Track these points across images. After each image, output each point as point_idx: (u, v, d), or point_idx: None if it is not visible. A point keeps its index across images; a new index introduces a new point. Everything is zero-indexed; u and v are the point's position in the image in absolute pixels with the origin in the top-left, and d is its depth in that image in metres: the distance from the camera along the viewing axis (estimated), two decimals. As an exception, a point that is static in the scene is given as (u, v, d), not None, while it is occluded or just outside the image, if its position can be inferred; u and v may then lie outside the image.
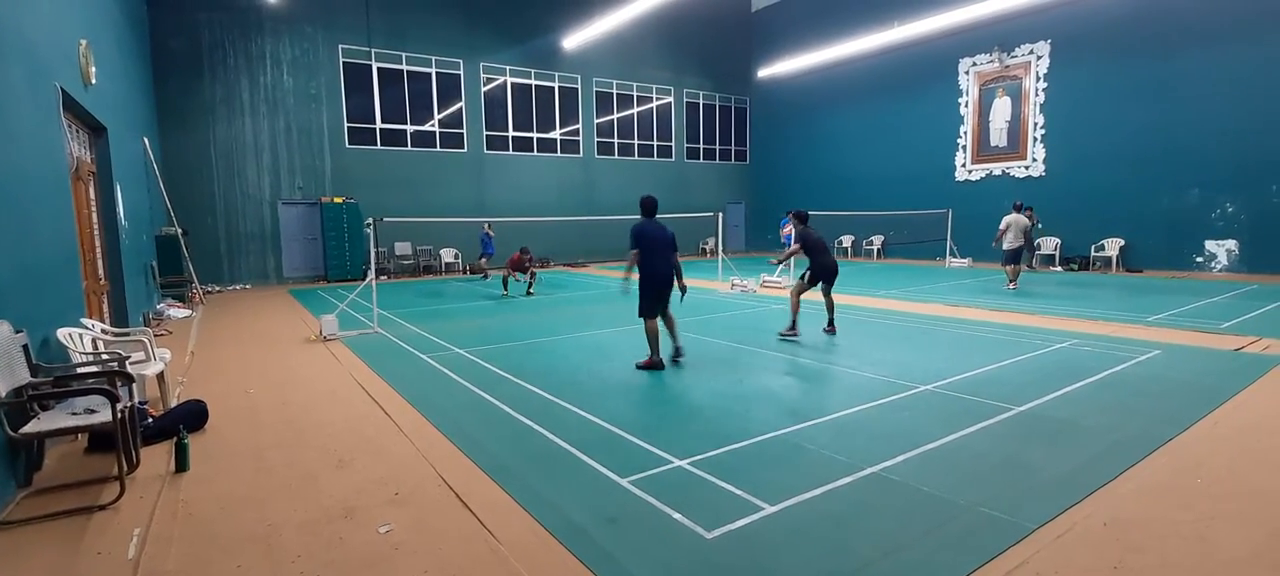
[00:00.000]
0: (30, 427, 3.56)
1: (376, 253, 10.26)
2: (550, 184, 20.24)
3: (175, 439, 4.06)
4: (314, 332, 8.46)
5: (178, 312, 10.69)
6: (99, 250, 7.47)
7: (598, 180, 21.28)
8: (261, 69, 15.79)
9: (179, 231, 12.50)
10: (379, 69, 17.26)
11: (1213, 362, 6.14)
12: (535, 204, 19.40)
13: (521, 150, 19.84)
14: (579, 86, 20.79)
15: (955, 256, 17.65)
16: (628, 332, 8.25)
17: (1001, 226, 11.86)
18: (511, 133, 19.61)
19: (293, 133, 16.24)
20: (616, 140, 21.81)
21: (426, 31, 17.80)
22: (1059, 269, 15.73)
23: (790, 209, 15.37)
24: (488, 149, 19.15)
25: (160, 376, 5.10)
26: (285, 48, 16.02)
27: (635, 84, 21.99)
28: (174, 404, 5.09)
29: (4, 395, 3.48)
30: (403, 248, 17.82)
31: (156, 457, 4.16)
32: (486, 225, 15.40)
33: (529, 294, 12.38)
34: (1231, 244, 13.91)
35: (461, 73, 18.50)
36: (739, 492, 3.38)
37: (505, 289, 12.59)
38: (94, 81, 7.28)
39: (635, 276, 6.20)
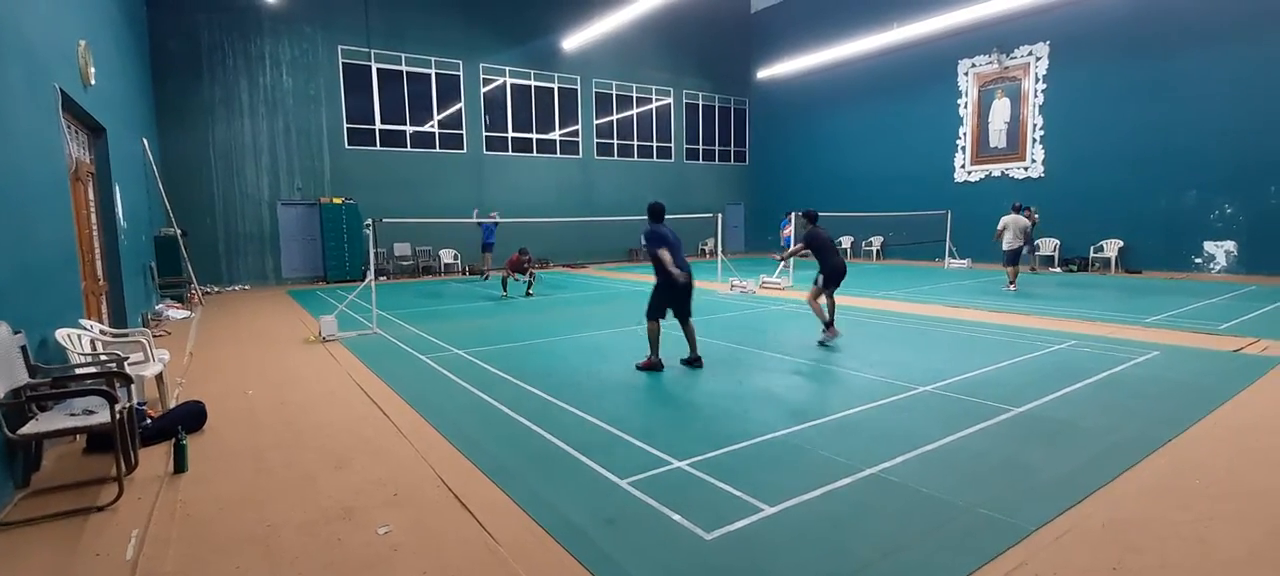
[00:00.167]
0: (28, 428, 3.55)
1: (376, 253, 10.25)
2: (549, 185, 20.24)
3: (174, 440, 4.06)
4: (313, 333, 8.45)
5: (177, 313, 10.68)
6: (98, 251, 7.46)
7: (597, 181, 21.28)
8: (261, 69, 15.78)
9: (178, 232, 12.49)
10: (378, 69, 17.25)
11: (1211, 364, 6.14)
12: (534, 205, 19.40)
13: (521, 151, 19.84)
14: (578, 87, 20.80)
15: (954, 257, 17.65)
16: (627, 334, 8.25)
17: (999, 226, 11.89)
18: (511, 134, 19.61)
19: (292, 133, 16.24)
20: (616, 141, 21.81)
21: (426, 32, 17.80)
22: (1058, 270, 15.74)
23: (789, 210, 15.45)
24: (487, 150, 19.15)
25: (159, 377, 5.09)
26: (284, 48, 16.02)
27: (635, 85, 22.00)
28: (173, 405, 5.08)
29: (2, 396, 3.47)
30: (402, 248, 17.81)
31: (155, 458, 4.16)
32: (493, 214, 15.32)
33: (528, 295, 12.38)
34: (1230, 245, 13.93)
35: (461, 73, 18.50)
36: (738, 493, 3.38)
37: (504, 290, 12.59)
38: (93, 82, 7.28)
39: (679, 275, 5.93)
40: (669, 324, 6.43)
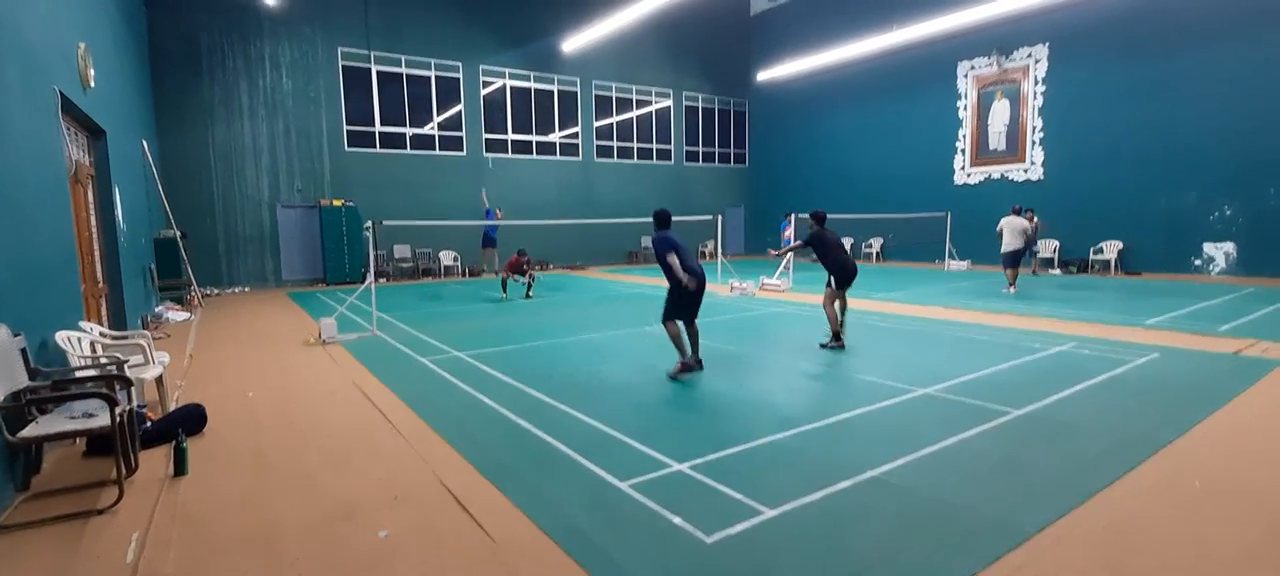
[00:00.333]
0: (28, 432, 3.55)
1: (376, 255, 10.24)
2: (549, 186, 20.24)
3: (174, 442, 4.06)
4: (313, 336, 8.45)
5: (176, 315, 10.68)
6: (97, 253, 7.46)
7: (597, 183, 21.29)
8: (260, 71, 15.79)
9: (177, 234, 12.49)
10: (378, 71, 17.26)
11: (1211, 365, 6.15)
12: (534, 206, 19.40)
13: (521, 153, 19.85)
14: (578, 89, 20.81)
15: (954, 259, 17.66)
16: (626, 335, 8.25)
17: (998, 229, 11.93)
18: (511, 136, 19.62)
19: (291, 135, 16.24)
20: (616, 143, 21.82)
21: (425, 34, 17.81)
22: (1058, 271, 15.75)
23: (789, 211, 15.46)
24: (487, 151, 19.15)
25: (159, 379, 5.09)
26: (284, 50, 16.02)
27: (634, 87, 22.01)
28: (172, 407, 5.08)
29: (2, 399, 3.47)
30: (402, 250, 17.81)
31: (155, 461, 4.15)
32: (498, 210, 15.28)
33: (528, 297, 12.38)
34: (1229, 246, 13.94)
35: (460, 75, 18.51)
36: (739, 496, 3.38)
37: (504, 292, 12.59)
38: (92, 84, 7.28)
39: (688, 281, 5.87)
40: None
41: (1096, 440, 4.16)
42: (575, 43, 19.28)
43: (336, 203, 16.26)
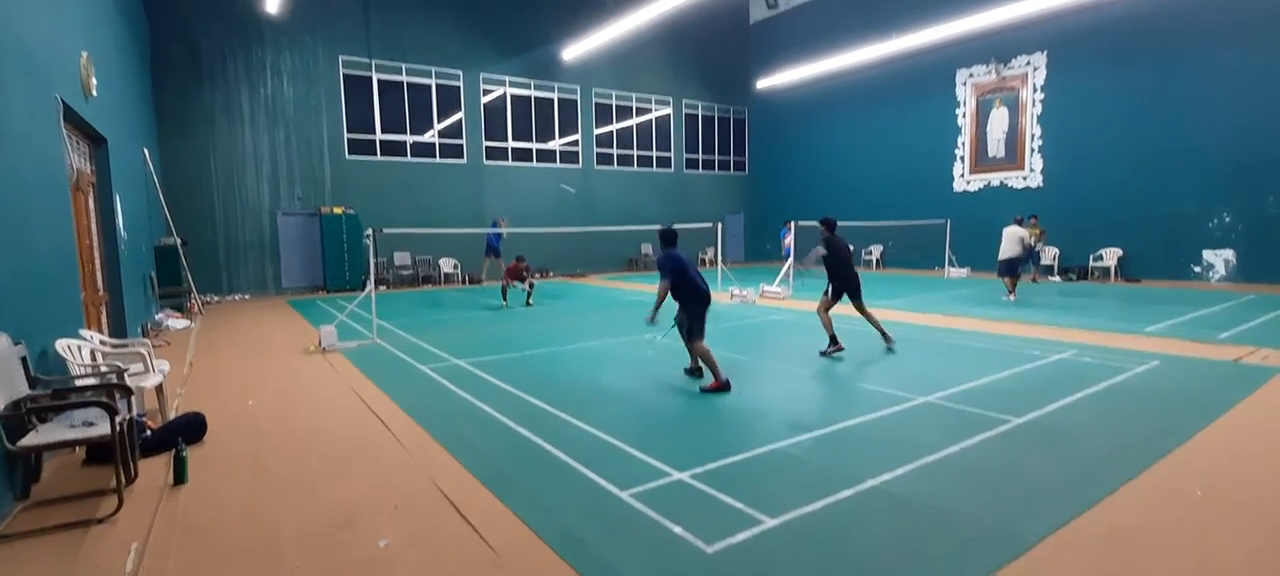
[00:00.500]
0: (28, 440, 3.55)
1: (376, 263, 10.25)
2: (549, 194, 20.28)
3: (174, 451, 4.05)
4: (313, 343, 8.45)
5: (176, 323, 10.68)
6: (98, 261, 7.47)
7: (597, 190, 21.33)
8: (261, 79, 15.84)
9: (178, 241, 12.50)
10: (379, 80, 17.32)
11: (1211, 373, 6.15)
12: (534, 214, 19.43)
13: (521, 160, 19.89)
14: (578, 97, 20.87)
15: (954, 266, 17.67)
16: (626, 343, 8.25)
17: (1001, 239, 11.99)
18: (511, 143, 19.67)
19: (292, 143, 16.28)
20: (615, 151, 21.87)
21: (426, 43, 17.88)
22: (1057, 279, 15.76)
23: (788, 218, 15.48)
24: (487, 159, 19.20)
25: (159, 388, 5.09)
26: (285, 58, 16.09)
27: (634, 95, 22.08)
28: (172, 415, 5.07)
29: (2, 408, 3.46)
30: (402, 258, 17.82)
31: (155, 470, 4.15)
32: (502, 221, 15.33)
33: (528, 304, 12.38)
34: (1229, 254, 13.95)
35: (461, 84, 18.58)
36: (739, 505, 3.37)
37: (504, 299, 12.59)
38: (94, 93, 7.31)
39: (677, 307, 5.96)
40: (672, 333, 6.42)
41: (1097, 448, 4.15)
42: (575, 51, 19.35)
43: (337, 210, 16.29)
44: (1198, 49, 14.11)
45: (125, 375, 4.49)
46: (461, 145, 18.73)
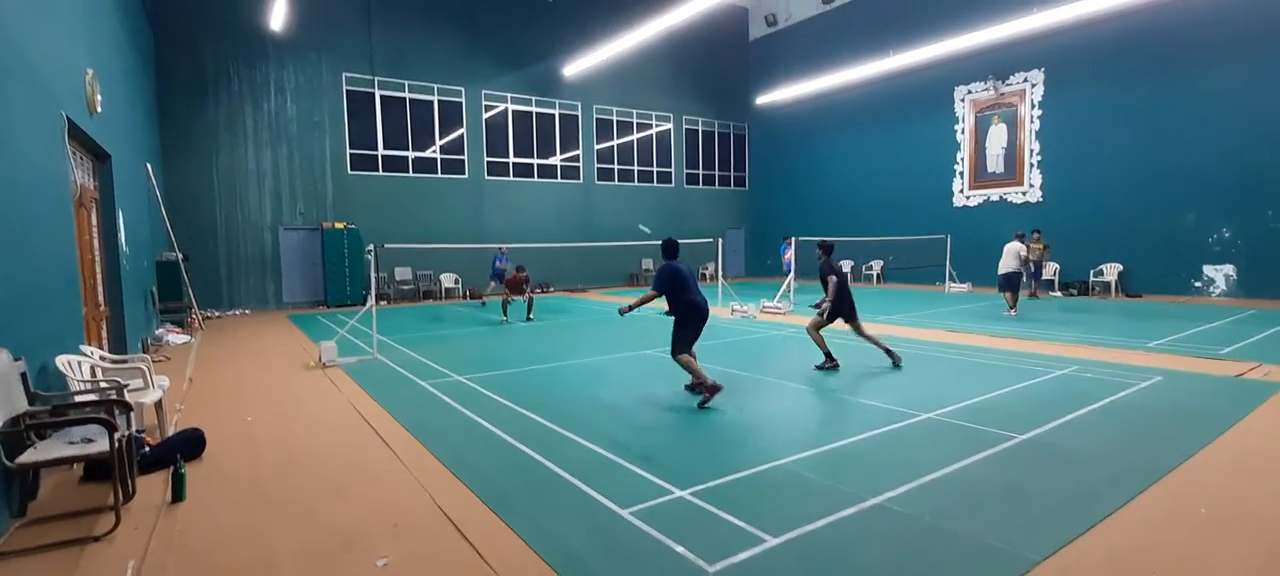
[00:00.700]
0: (27, 457, 3.53)
1: (377, 278, 10.26)
2: (550, 209, 20.35)
3: (172, 468, 4.03)
4: (313, 359, 8.44)
5: (177, 338, 10.67)
6: (99, 276, 7.48)
7: (598, 205, 21.40)
8: (265, 96, 15.96)
9: (179, 256, 12.52)
10: (382, 96, 17.45)
11: (1214, 389, 6.13)
12: (535, 229, 19.48)
13: (522, 176, 19.98)
14: (579, 113, 21.01)
15: (955, 281, 17.68)
16: (627, 359, 8.24)
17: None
18: (512, 159, 19.76)
19: (295, 159, 16.37)
20: (616, 166, 21.97)
21: (429, 59, 18.03)
22: (1059, 294, 15.75)
23: (789, 234, 15.50)
24: (488, 175, 19.28)
25: (158, 404, 5.08)
26: (289, 75, 16.22)
27: (635, 111, 22.23)
28: (171, 432, 5.05)
29: (1, 424, 3.45)
30: (403, 273, 17.85)
31: (153, 487, 4.13)
32: (504, 248, 15.38)
33: (528, 319, 12.37)
34: (1229, 269, 13.96)
35: (463, 100, 18.71)
36: (741, 524, 3.35)
37: (504, 315, 12.58)
38: (99, 109, 7.36)
39: (663, 306, 6.14)
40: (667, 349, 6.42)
41: (1100, 466, 4.13)
42: (576, 67, 19.51)
43: (339, 225, 16.34)
44: (1196, 66, 14.21)
45: (125, 391, 4.48)
46: (463, 161, 18.82)
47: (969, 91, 18.31)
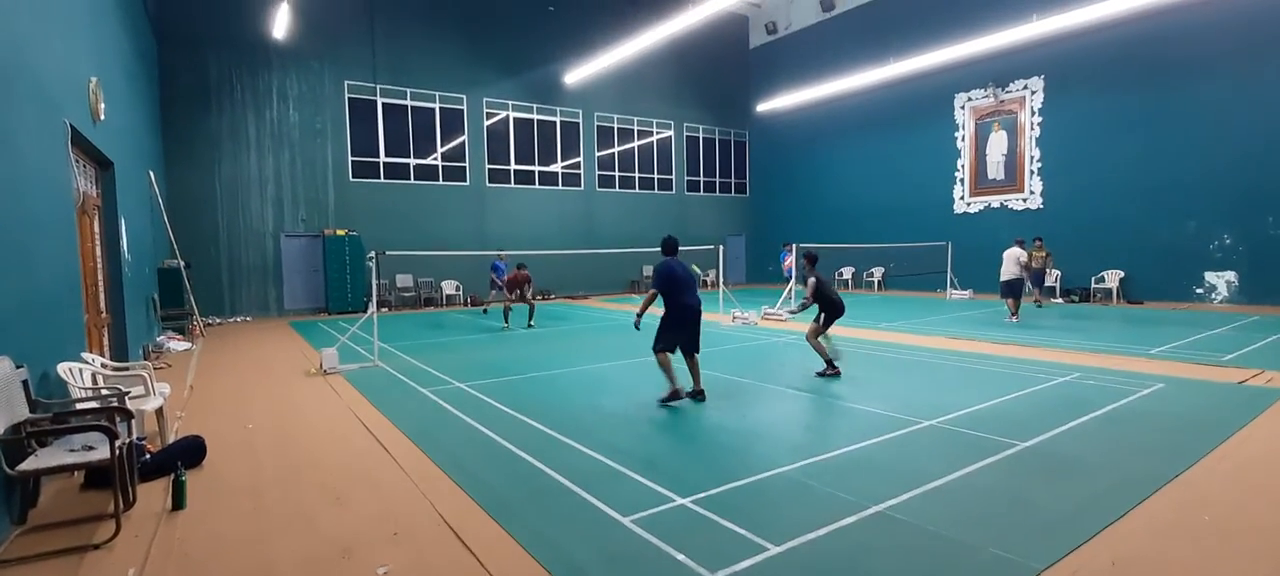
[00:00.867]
0: (27, 465, 3.53)
1: (378, 285, 10.27)
2: (551, 216, 20.38)
3: (172, 476, 4.03)
4: (314, 366, 8.43)
5: (178, 345, 10.67)
6: (101, 283, 7.49)
7: (598, 213, 21.43)
8: (268, 104, 16.02)
9: (181, 264, 12.54)
10: (383, 104, 17.51)
11: (1217, 396, 6.11)
12: (536, 236, 19.50)
13: (523, 183, 20.03)
14: (580, 120, 21.07)
15: (956, 288, 17.67)
16: (629, 366, 8.23)
17: (1002, 261, 12.01)
18: (513, 166, 19.81)
19: (297, 166, 16.42)
20: (617, 173, 22.02)
21: (430, 67, 18.11)
22: (1060, 300, 15.73)
23: (789, 241, 15.50)
24: (490, 182, 19.33)
25: (159, 411, 5.07)
26: (292, 83, 16.28)
27: (636, 118, 22.28)
28: (172, 439, 5.05)
29: (3, 432, 3.45)
30: (404, 280, 17.86)
31: (153, 494, 4.12)
32: (500, 255, 15.42)
33: (530, 325, 12.37)
34: (1231, 275, 13.94)
35: (464, 107, 18.77)
36: (743, 532, 3.34)
37: (506, 321, 12.58)
38: (103, 117, 7.39)
39: (659, 312, 6.28)
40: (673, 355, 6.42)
41: (1103, 474, 4.11)
42: (577, 75, 19.58)
43: (340, 232, 16.37)
44: (1195, 74, 14.23)
45: (126, 398, 4.48)
46: (464, 168, 18.87)
47: (969, 98, 18.35)
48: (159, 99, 14.28)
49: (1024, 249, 12.32)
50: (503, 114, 19.55)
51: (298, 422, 5.86)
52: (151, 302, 10.82)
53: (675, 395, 6.06)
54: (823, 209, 22.33)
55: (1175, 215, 14.62)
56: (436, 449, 4.90)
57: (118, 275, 7.98)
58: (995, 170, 17.95)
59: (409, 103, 17.89)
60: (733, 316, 12.68)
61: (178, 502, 3.89)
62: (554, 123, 20.56)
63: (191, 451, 4.67)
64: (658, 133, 22.88)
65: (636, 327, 6.57)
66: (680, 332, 6.14)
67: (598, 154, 21.49)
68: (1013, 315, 11.84)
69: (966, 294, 17.37)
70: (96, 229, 7.52)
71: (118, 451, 3.55)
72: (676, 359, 6.25)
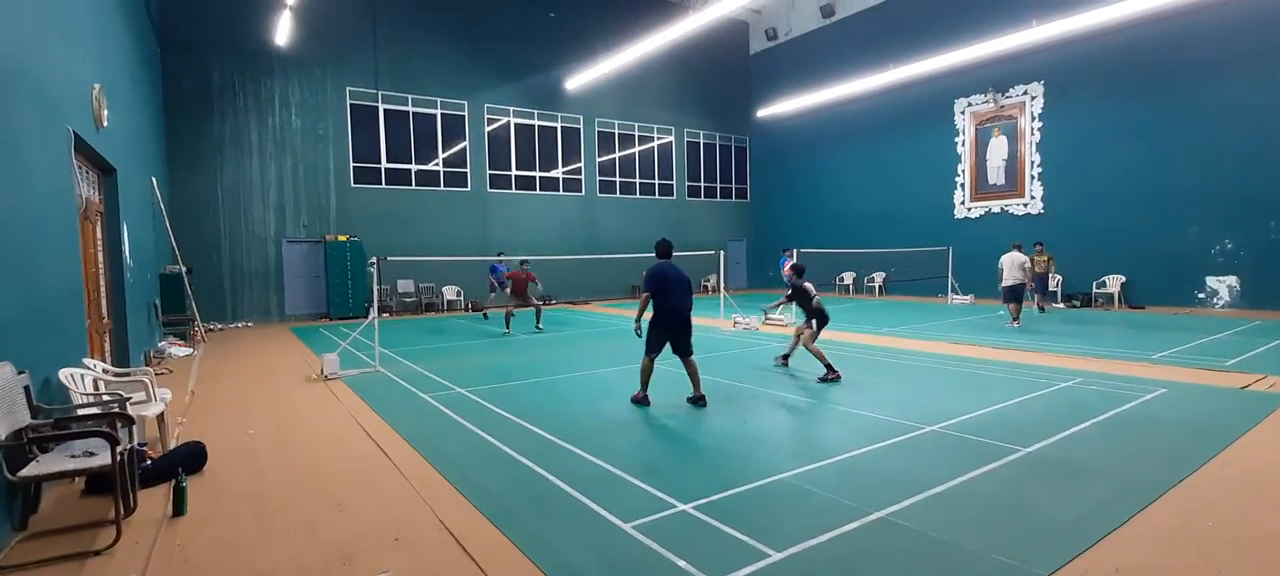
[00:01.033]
0: (28, 471, 3.53)
1: (379, 290, 10.28)
2: (552, 222, 20.40)
3: (173, 482, 4.02)
4: (315, 371, 8.43)
5: (179, 351, 10.68)
6: (103, 289, 7.51)
7: (599, 218, 21.45)
8: (270, 110, 16.08)
9: (183, 269, 12.56)
10: (385, 110, 17.56)
11: (1220, 401, 6.09)
12: (538, 242, 19.52)
13: (524, 188, 20.06)
14: (581, 126, 21.11)
15: (957, 293, 17.65)
16: (630, 371, 8.21)
17: (999, 266, 11.99)
18: (514, 172, 19.85)
19: (299, 172, 16.46)
20: (618, 179, 22.05)
21: (432, 73, 18.17)
22: (1061, 305, 15.71)
23: (789, 246, 15.50)
24: (491, 187, 19.36)
25: (160, 417, 5.08)
26: (294, 89, 16.34)
27: (636, 123, 22.33)
28: (173, 445, 5.05)
29: (4, 437, 3.45)
30: (405, 285, 17.87)
31: (154, 501, 4.12)
32: (499, 257, 15.44)
33: (537, 328, 12.36)
34: (1232, 280, 13.92)
35: (466, 113, 18.82)
36: (744, 538, 3.33)
37: (507, 327, 12.58)
38: (106, 124, 7.41)
39: (648, 316, 6.34)
40: (672, 361, 6.43)
41: (1105, 480, 4.10)
42: (578, 80, 19.63)
43: (341, 238, 16.39)
44: (1196, 79, 14.24)
45: (127, 404, 4.48)
46: (465, 174, 18.91)
47: (969, 104, 18.37)
48: (162, 104, 14.33)
49: (1023, 253, 12.30)
50: (504, 119, 19.60)
51: (299, 428, 5.86)
52: (153, 308, 10.83)
53: (641, 400, 6.21)
54: (823, 214, 22.34)
55: (1176, 220, 14.61)
56: (437, 454, 4.90)
57: (120, 281, 7.99)
58: (996, 175, 17.96)
59: (410, 108, 17.94)
60: (734, 322, 12.67)
61: (179, 509, 3.89)
62: (555, 128, 20.61)
63: (192, 457, 4.67)
64: (658, 138, 22.93)
65: (637, 333, 6.57)
66: (666, 334, 6.21)
67: (599, 159, 21.53)
68: (1014, 320, 11.82)
69: (968, 299, 17.35)
70: (99, 234, 7.54)
71: (119, 457, 3.55)
72: (676, 363, 6.26)
